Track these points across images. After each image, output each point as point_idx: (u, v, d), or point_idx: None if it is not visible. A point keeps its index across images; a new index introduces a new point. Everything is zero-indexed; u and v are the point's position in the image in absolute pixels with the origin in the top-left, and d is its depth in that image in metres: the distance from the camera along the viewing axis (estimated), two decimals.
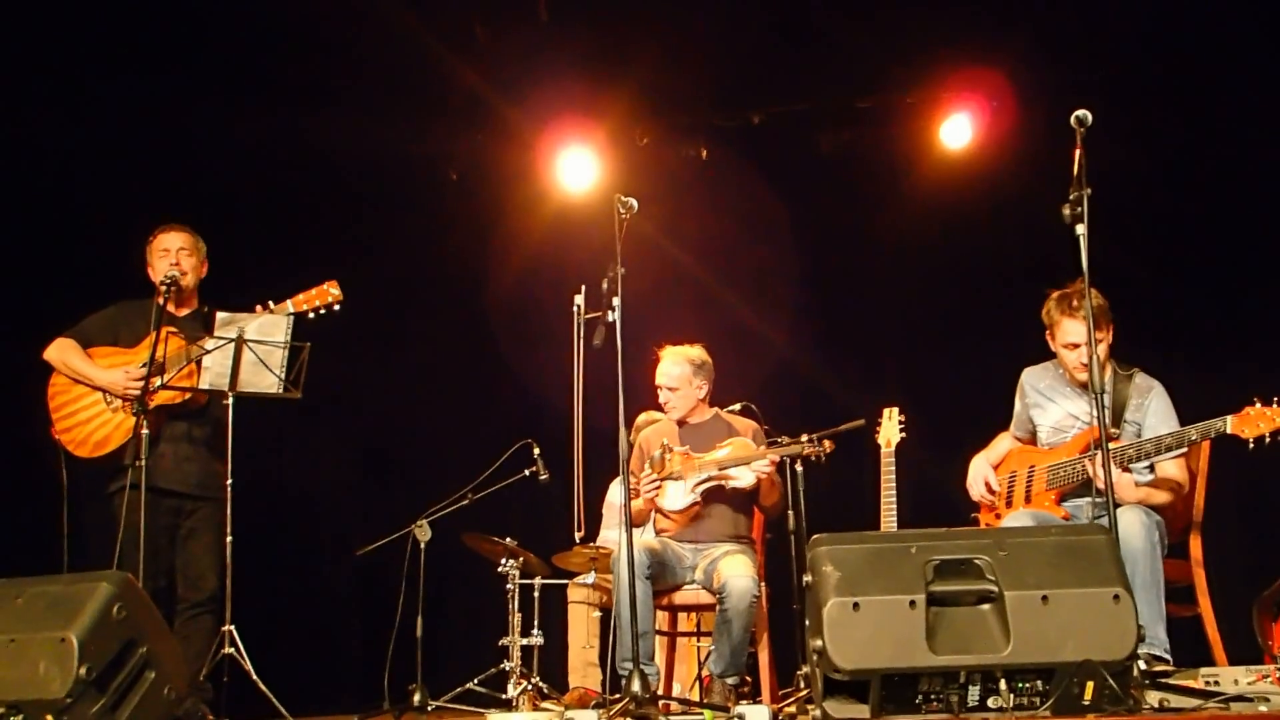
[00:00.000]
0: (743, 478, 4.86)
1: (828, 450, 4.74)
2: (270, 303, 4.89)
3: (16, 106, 6.25)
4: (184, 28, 6.39)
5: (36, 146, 6.40)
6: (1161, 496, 4.31)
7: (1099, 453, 3.93)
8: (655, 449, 5.03)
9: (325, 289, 4.95)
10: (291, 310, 4.90)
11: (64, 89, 6.39)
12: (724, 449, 4.94)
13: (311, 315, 4.93)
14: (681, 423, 5.16)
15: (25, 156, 6.38)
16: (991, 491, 4.67)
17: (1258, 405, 4.04)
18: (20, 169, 6.38)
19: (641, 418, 6.00)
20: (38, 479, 4.98)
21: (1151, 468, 4.43)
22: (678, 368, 5.10)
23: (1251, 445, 4.04)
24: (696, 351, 5.16)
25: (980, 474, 4.72)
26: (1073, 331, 4.41)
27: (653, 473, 4.94)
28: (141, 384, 4.72)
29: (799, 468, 4.81)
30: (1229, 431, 4.07)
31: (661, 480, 4.95)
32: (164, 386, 4.67)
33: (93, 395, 4.85)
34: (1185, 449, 4.34)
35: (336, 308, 4.96)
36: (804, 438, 4.80)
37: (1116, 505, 3.80)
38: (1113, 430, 4.31)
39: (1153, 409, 4.39)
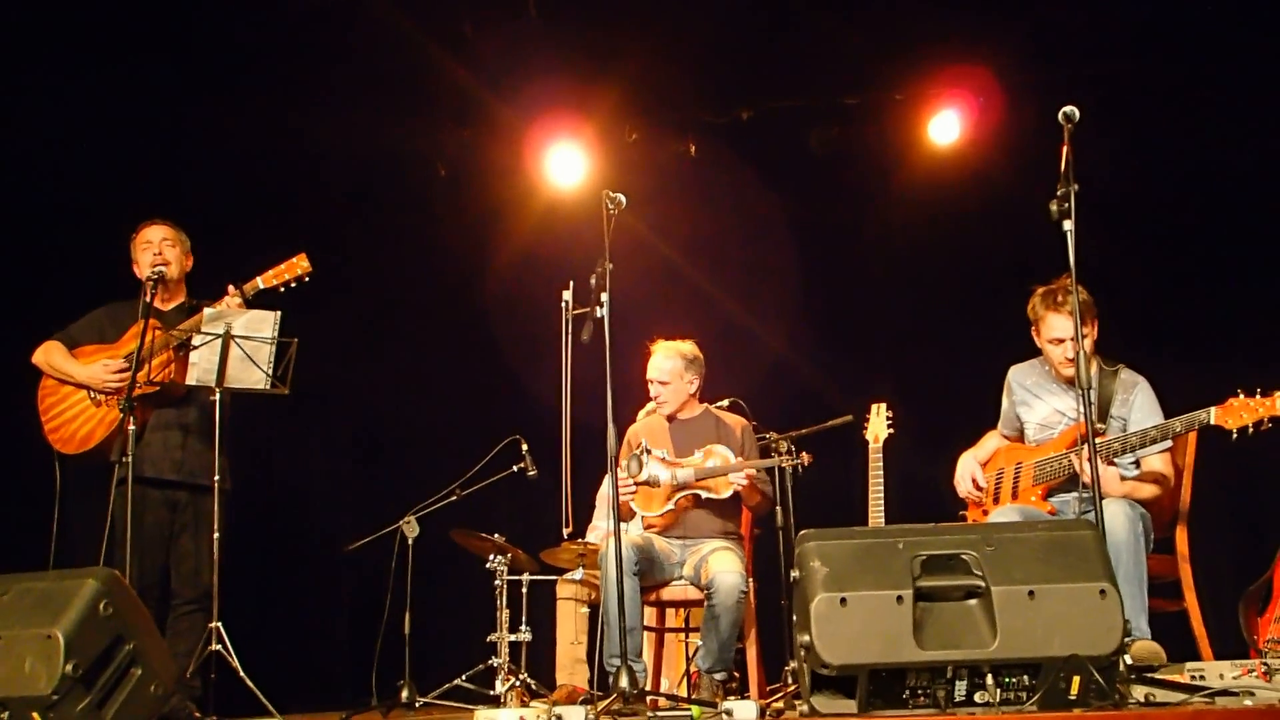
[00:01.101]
0: (720, 489, 4.87)
1: (806, 463, 4.75)
2: (239, 284, 4.88)
3: (8, 106, 6.22)
4: (172, 24, 6.36)
5: (29, 147, 6.37)
6: (1147, 490, 4.33)
7: (1084, 447, 3.95)
8: (635, 449, 5.03)
9: (294, 262, 4.93)
10: (261, 286, 4.88)
11: (55, 88, 6.36)
12: (701, 457, 4.94)
13: (283, 289, 4.91)
14: (671, 418, 5.16)
15: (19, 157, 6.35)
16: (979, 489, 4.68)
17: (1241, 396, 4.07)
18: (13, 170, 6.35)
19: (648, 407, 6.00)
20: (27, 477, 4.96)
21: (1137, 463, 4.44)
22: (669, 362, 5.10)
23: (1235, 436, 4.07)
24: (689, 347, 5.16)
25: (967, 471, 4.73)
26: (1058, 326, 4.43)
27: (629, 478, 4.93)
28: (120, 377, 4.70)
29: (786, 468, 4.82)
30: (1212, 423, 4.10)
31: (638, 485, 4.95)
32: (149, 381, 4.66)
33: (79, 393, 4.84)
34: (1170, 442, 4.36)
35: (307, 280, 4.93)
36: (783, 449, 4.82)
37: (1102, 498, 3.82)
38: (1098, 426, 4.32)
39: (1138, 404, 4.41)
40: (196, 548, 4.79)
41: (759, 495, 4.95)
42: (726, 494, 4.88)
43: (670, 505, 4.93)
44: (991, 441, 4.83)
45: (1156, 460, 4.39)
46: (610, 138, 7.36)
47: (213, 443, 4.74)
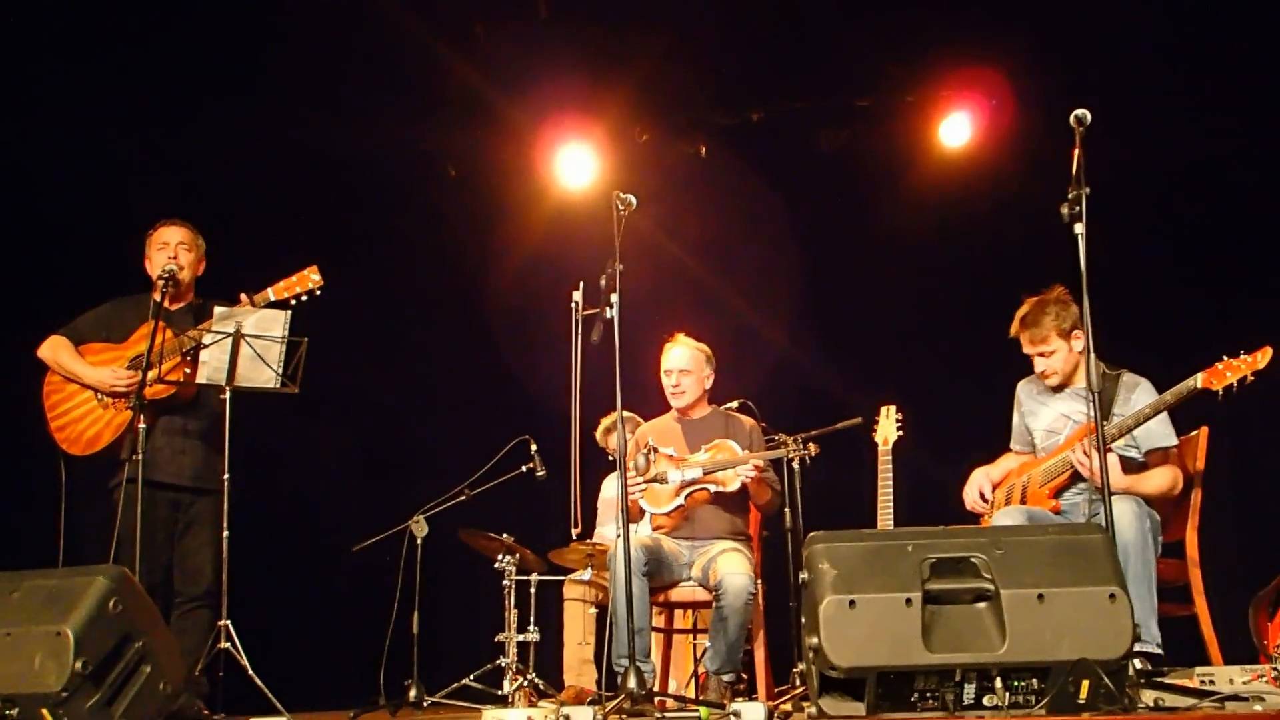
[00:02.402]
0: (728, 482, 4.87)
1: (813, 454, 4.76)
2: (250, 293, 4.88)
3: (12, 103, 6.23)
4: (182, 24, 6.38)
5: (36, 142, 6.39)
6: (1150, 484, 4.30)
7: (1088, 442, 3.95)
8: (643, 448, 5.03)
9: (306, 274, 4.93)
10: (272, 297, 4.88)
11: (62, 85, 6.38)
12: (709, 453, 4.95)
13: (294, 302, 4.91)
14: (684, 415, 5.16)
15: (23, 152, 6.36)
16: (985, 500, 4.68)
17: (1225, 359, 4.08)
18: (18, 166, 6.36)
19: (610, 418, 6.02)
20: (35, 474, 4.97)
21: (1145, 463, 4.43)
22: (690, 353, 5.12)
23: (1221, 396, 4.09)
24: (704, 346, 5.18)
25: (976, 484, 4.73)
26: (1026, 342, 4.57)
27: (638, 475, 4.94)
28: (128, 382, 4.71)
29: (795, 465, 4.82)
30: (1200, 386, 4.12)
31: (647, 483, 4.95)
32: (161, 381, 4.66)
33: (85, 393, 4.83)
34: (1174, 439, 4.36)
35: (319, 293, 4.93)
36: (789, 441, 4.82)
37: (1111, 493, 3.80)
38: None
39: (1139, 401, 4.40)
40: (199, 546, 4.80)
41: (769, 491, 4.95)
42: (734, 486, 4.88)
43: (679, 501, 4.93)
44: (1006, 461, 4.83)
45: (1162, 455, 4.37)
46: (620, 138, 7.37)
47: (217, 446, 4.75)
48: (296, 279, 4.92)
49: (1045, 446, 4.63)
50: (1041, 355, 4.52)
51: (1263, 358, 4.06)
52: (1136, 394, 4.44)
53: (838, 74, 6.97)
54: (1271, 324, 6.21)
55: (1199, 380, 4.12)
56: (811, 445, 4.79)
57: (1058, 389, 4.61)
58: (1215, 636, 4.32)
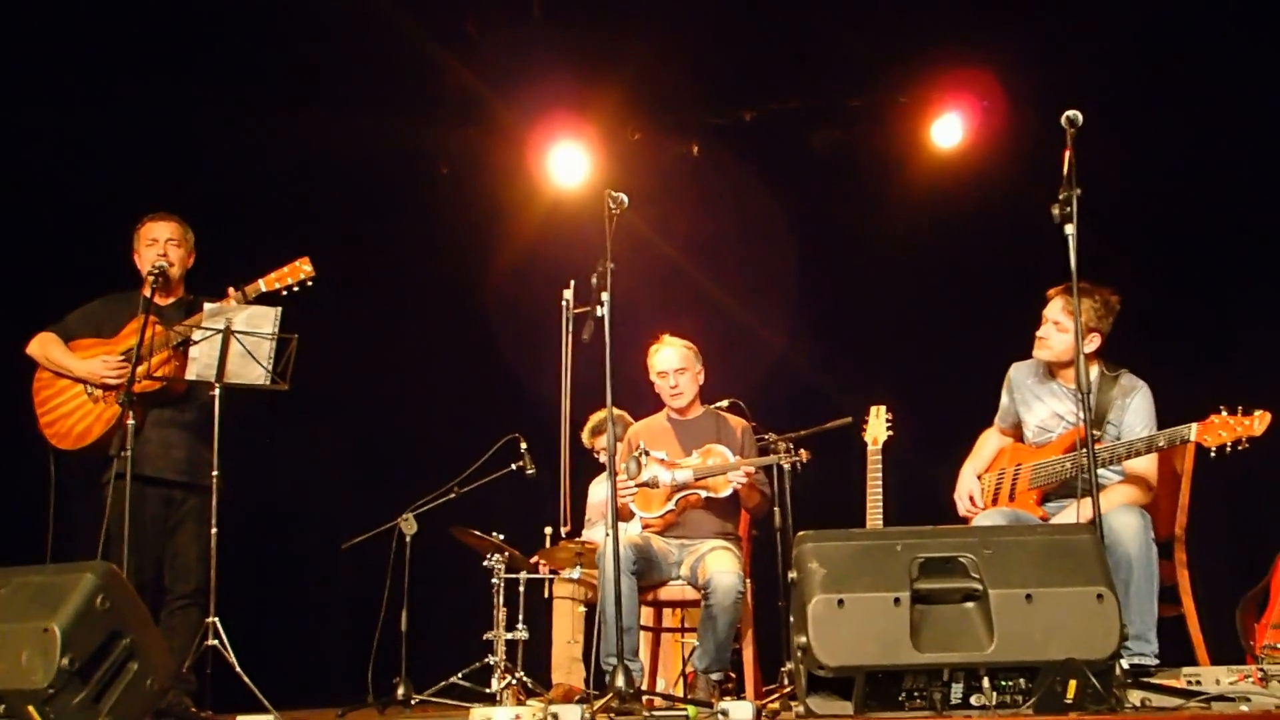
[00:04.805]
0: (720, 488, 4.88)
1: (804, 460, 4.76)
2: (241, 285, 4.87)
3: (18, 101, 6.22)
4: (178, 21, 6.37)
5: (37, 138, 6.37)
6: (1121, 495, 4.31)
7: (1083, 453, 3.95)
8: (635, 451, 5.02)
9: (297, 266, 4.91)
10: (264, 289, 4.87)
11: (65, 84, 6.36)
12: (700, 457, 4.95)
13: (285, 293, 4.90)
14: (679, 415, 5.15)
15: (28, 150, 6.34)
16: (975, 505, 4.68)
17: (1223, 414, 4.06)
18: (10, 162, 6.34)
19: (596, 418, 6.00)
20: (26, 472, 4.95)
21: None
22: (680, 352, 5.11)
23: (1214, 454, 4.06)
24: (690, 344, 5.18)
25: (965, 490, 4.73)
26: (1050, 310, 4.49)
27: (629, 480, 4.93)
28: (119, 372, 4.70)
29: (785, 465, 4.83)
30: (1193, 439, 4.10)
31: (638, 486, 4.94)
32: (150, 377, 4.65)
33: (75, 388, 4.81)
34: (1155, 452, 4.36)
35: (310, 285, 4.92)
36: (781, 448, 4.83)
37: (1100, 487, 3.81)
38: (1094, 433, 4.31)
39: (1132, 408, 4.40)
40: (190, 543, 4.78)
41: (758, 495, 4.95)
42: (726, 493, 4.89)
43: (670, 506, 4.93)
44: (990, 444, 4.83)
45: (1140, 462, 4.36)
46: (613, 138, 7.37)
47: (209, 441, 4.72)
48: (288, 270, 4.91)
49: (1036, 441, 4.63)
50: (1057, 325, 4.46)
51: (1259, 424, 4.01)
52: (1132, 400, 4.42)
53: (830, 74, 6.98)
54: (1263, 324, 6.29)
55: (1193, 433, 4.10)
56: (803, 452, 4.80)
57: (1050, 377, 4.60)
58: (1202, 637, 4.33)
